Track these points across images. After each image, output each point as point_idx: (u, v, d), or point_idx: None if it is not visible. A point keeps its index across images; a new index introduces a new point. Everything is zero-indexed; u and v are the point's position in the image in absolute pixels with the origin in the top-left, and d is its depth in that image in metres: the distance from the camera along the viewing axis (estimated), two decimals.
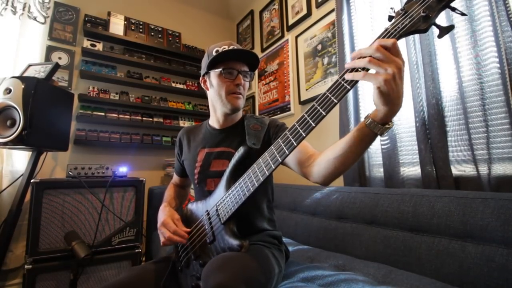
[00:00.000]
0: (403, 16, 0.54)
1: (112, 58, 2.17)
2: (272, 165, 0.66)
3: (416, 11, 0.53)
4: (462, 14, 0.53)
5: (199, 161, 0.94)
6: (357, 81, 0.55)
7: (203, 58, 0.95)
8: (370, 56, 0.51)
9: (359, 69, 0.53)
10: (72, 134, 1.93)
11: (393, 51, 0.51)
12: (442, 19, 1.10)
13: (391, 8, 0.57)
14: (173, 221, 0.84)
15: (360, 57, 0.53)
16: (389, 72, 0.50)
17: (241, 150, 0.80)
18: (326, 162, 0.69)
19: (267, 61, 2.39)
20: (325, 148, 0.72)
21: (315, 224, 1.33)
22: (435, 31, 0.53)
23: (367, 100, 1.43)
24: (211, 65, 0.88)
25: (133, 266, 1.59)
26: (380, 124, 0.56)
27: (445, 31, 0.52)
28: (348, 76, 0.55)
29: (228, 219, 0.74)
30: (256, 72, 2.41)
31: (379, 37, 0.55)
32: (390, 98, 0.52)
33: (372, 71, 0.52)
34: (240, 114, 0.99)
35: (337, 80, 0.57)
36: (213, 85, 0.91)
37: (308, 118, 0.60)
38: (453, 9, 0.52)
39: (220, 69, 0.86)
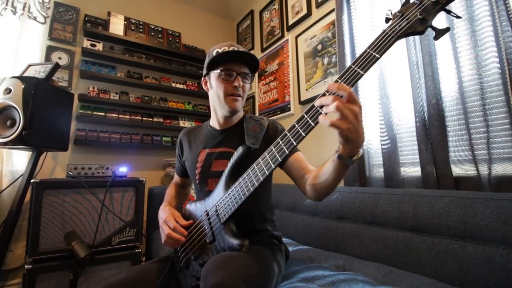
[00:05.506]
0: (400, 18, 0.55)
1: (112, 58, 2.17)
2: (272, 165, 0.66)
3: (413, 14, 0.53)
4: (457, 17, 0.54)
5: (200, 162, 0.94)
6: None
7: (206, 59, 0.95)
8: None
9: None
10: (72, 134, 1.92)
11: (350, 99, 0.53)
12: (442, 19, 1.10)
13: (389, 10, 0.58)
14: (174, 218, 0.85)
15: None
16: (349, 123, 0.52)
17: (240, 149, 0.80)
18: (317, 188, 0.74)
19: (267, 61, 2.39)
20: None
21: (315, 224, 1.33)
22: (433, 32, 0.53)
23: (367, 100, 1.42)
24: (211, 66, 0.87)
25: (132, 266, 1.59)
26: (348, 157, 0.59)
27: (441, 33, 0.52)
28: (321, 119, 0.56)
29: (228, 219, 0.75)
30: (256, 72, 2.41)
31: (376, 39, 0.56)
32: (350, 139, 0.55)
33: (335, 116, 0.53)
34: (240, 114, 0.98)
35: (336, 81, 0.58)
36: (212, 87, 0.90)
37: (307, 118, 0.60)
38: (448, 12, 0.53)
39: (218, 70, 0.86)
